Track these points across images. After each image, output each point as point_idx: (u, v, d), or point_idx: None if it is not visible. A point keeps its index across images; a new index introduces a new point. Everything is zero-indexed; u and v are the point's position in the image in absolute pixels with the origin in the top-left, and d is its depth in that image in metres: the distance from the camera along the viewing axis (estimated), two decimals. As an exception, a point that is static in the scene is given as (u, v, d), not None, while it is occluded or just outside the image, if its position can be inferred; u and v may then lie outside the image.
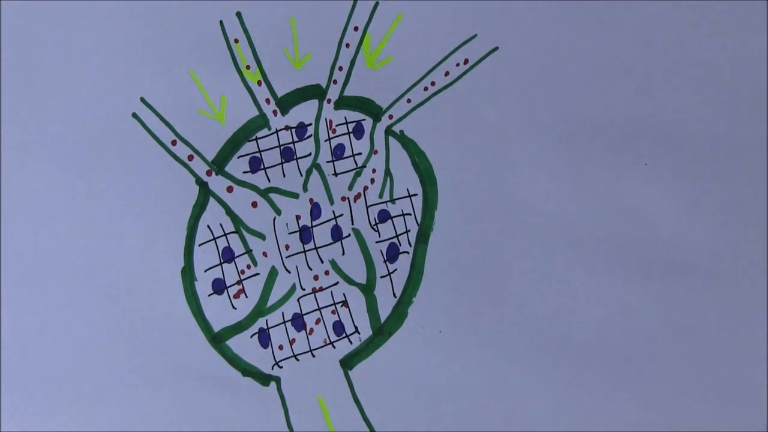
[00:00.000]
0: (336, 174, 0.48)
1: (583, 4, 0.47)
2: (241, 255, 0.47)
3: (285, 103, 0.48)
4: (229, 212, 0.48)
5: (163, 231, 0.47)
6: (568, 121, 0.46)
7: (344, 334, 0.47)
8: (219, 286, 0.47)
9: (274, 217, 0.48)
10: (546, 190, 0.46)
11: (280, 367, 0.47)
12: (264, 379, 0.47)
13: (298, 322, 0.47)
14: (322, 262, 0.47)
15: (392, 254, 0.47)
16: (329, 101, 0.48)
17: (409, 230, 0.47)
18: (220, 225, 0.47)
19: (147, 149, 0.47)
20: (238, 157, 0.48)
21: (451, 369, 0.46)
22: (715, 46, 0.46)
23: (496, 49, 0.47)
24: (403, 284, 0.47)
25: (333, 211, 0.48)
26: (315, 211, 0.48)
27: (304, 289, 0.47)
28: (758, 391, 0.45)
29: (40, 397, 0.47)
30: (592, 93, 0.46)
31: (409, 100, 0.47)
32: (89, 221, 0.47)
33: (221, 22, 0.48)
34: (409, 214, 0.47)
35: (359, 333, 0.47)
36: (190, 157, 0.47)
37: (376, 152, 0.48)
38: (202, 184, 0.47)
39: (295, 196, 0.48)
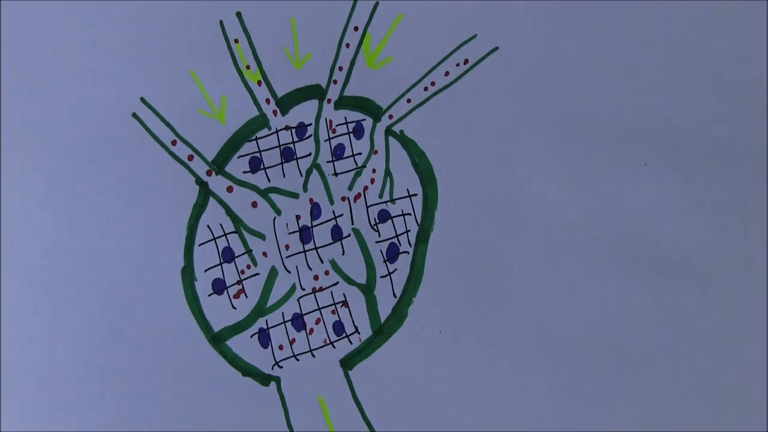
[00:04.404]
0: (336, 174, 0.48)
1: (583, 4, 0.47)
2: (241, 255, 0.47)
3: (285, 103, 0.48)
4: (229, 212, 0.48)
5: (163, 231, 0.47)
6: (568, 121, 0.46)
7: (344, 334, 0.47)
8: (219, 286, 0.47)
9: (274, 217, 0.48)
10: (546, 190, 0.46)
11: (280, 367, 0.47)
12: (264, 379, 0.47)
13: (298, 322, 0.47)
14: (322, 262, 0.47)
15: (392, 254, 0.47)
16: (329, 101, 0.48)
17: (409, 230, 0.47)
18: (220, 225, 0.47)
19: (147, 149, 0.47)
20: (238, 157, 0.48)
21: (451, 369, 0.46)
22: (715, 46, 0.46)
23: (496, 49, 0.47)
24: (403, 284, 0.47)
25: (333, 211, 0.48)
26: (315, 211, 0.48)
27: (304, 289, 0.47)
28: (758, 391, 0.45)
29: (40, 397, 0.47)
30: (592, 93, 0.46)
31: (409, 100, 0.47)
32: (89, 221, 0.47)
33: (221, 22, 0.48)
34: (409, 214, 0.47)
35: (359, 333, 0.47)
36: (190, 157, 0.47)
37: (376, 152, 0.48)
38: (202, 184, 0.47)
39: (295, 196, 0.48)
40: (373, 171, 0.48)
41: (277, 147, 0.48)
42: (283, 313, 0.47)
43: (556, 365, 0.46)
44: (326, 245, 0.48)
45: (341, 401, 0.46)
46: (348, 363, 0.47)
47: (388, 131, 0.47)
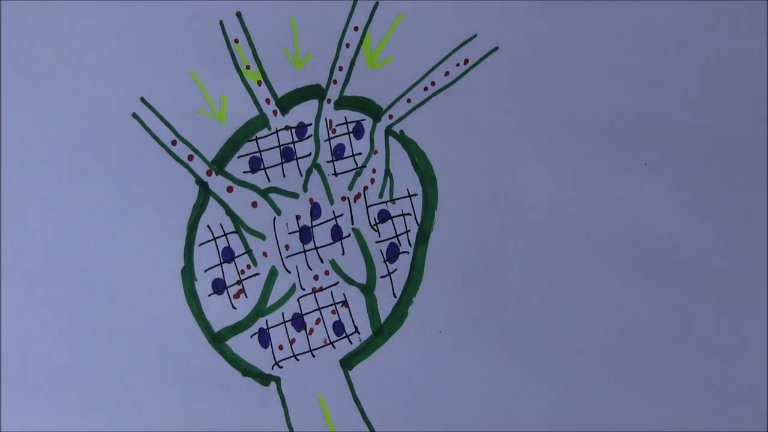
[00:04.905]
0: (336, 174, 0.48)
1: (583, 4, 0.47)
2: (241, 255, 0.47)
3: (285, 103, 0.48)
4: (229, 212, 0.48)
5: (163, 231, 0.47)
6: (568, 121, 0.46)
7: (344, 334, 0.47)
8: (219, 286, 0.47)
9: (274, 217, 0.48)
10: (546, 190, 0.46)
11: (280, 367, 0.47)
12: (264, 379, 0.47)
13: (298, 322, 0.47)
14: (322, 262, 0.47)
15: (392, 254, 0.47)
16: (329, 101, 0.48)
17: (409, 230, 0.47)
18: (220, 225, 0.47)
19: (147, 149, 0.47)
20: (238, 157, 0.48)
21: (451, 369, 0.46)
22: (715, 46, 0.46)
23: (496, 49, 0.47)
24: (403, 284, 0.47)
25: (333, 211, 0.48)
26: (315, 211, 0.48)
27: (304, 289, 0.47)
28: (758, 391, 0.45)
29: (40, 397, 0.47)
30: (592, 93, 0.46)
31: (409, 100, 0.47)
32: (89, 221, 0.47)
33: (221, 22, 0.48)
34: (409, 214, 0.47)
35: (359, 333, 0.47)
36: (190, 157, 0.47)
37: (376, 152, 0.48)
38: (202, 184, 0.47)
39: (295, 196, 0.48)
40: (373, 171, 0.48)
41: (277, 147, 0.48)
42: (283, 313, 0.47)
43: (556, 365, 0.46)
44: (326, 245, 0.48)
45: (341, 401, 0.46)
46: (348, 363, 0.47)
47: (388, 131, 0.47)
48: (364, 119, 0.48)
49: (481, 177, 0.46)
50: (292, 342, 0.47)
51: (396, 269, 0.47)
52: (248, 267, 0.47)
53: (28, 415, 0.47)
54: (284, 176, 0.48)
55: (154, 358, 0.47)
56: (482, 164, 0.46)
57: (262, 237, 0.48)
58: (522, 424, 0.46)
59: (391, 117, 0.47)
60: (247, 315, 0.47)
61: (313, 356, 0.47)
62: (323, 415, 0.47)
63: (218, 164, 0.48)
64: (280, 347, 0.47)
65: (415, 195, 0.47)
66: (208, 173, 0.48)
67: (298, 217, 0.48)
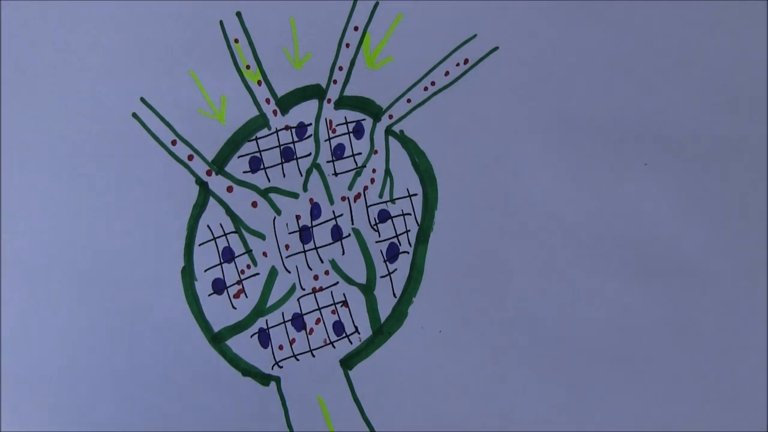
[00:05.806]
0: (336, 174, 0.48)
1: (583, 4, 0.47)
2: (241, 255, 0.47)
3: (285, 103, 0.48)
4: (229, 212, 0.48)
5: (163, 231, 0.47)
6: (568, 121, 0.46)
7: (344, 334, 0.47)
8: (219, 286, 0.47)
9: (274, 217, 0.48)
10: (546, 190, 0.46)
11: (280, 367, 0.47)
12: (264, 379, 0.47)
13: (298, 322, 0.47)
14: (322, 262, 0.47)
15: (392, 254, 0.47)
16: (329, 101, 0.48)
17: (409, 230, 0.47)
18: (220, 225, 0.47)
19: (147, 149, 0.47)
20: (238, 157, 0.48)
21: (451, 369, 0.46)
22: (715, 46, 0.46)
23: (496, 49, 0.47)
24: (403, 284, 0.47)
25: (333, 211, 0.48)
26: (315, 211, 0.48)
27: (304, 289, 0.47)
28: (758, 391, 0.45)
29: (40, 397, 0.47)
30: (592, 93, 0.46)
31: (409, 100, 0.47)
32: (89, 221, 0.47)
33: (221, 22, 0.48)
34: (409, 214, 0.47)
35: (359, 333, 0.47)
36: (190, 157, 0.47)
37: (376, 152, 0.48)
38: (202, 184, 0.47)
39: (295, 196, 0.48)
40: (373, 171, 0.48)
41: (277, 147, 0.48)
42: (283, 313, 0.47)
43: (556, 365, 0.46)
44: (326, 245, 0.48)
45: (341, 401, 0.46)
46: (348, 363, 0.47)
47: (388, 131, 0.47)
48: (364, 119, 0.48)
49: (481, 177, 0.46)
50: (292, 342, 0.47)
51: (396, 269, 0.47)
52: (248, 267, 0.47)
53: (28, 415, 0.47)
54: (284, 176, 0.48)
55: (154, 358, 0.47)
56: (482, 164, 0.46)
57: (262, 237, 0.48)
58: (522, 424, 0.46)
59: (391, 117, 0.47)
60: (247, 315, 0.47)
61: (313, 356, 0.47)
62: (323, 415, 0.47)
63: (218, 164, 0.48)
64: (280, 347, 0.47)
65: (415, 195, 0.47)
66: (208, 173, 0.48)
67: (298, 217, 0.48)
